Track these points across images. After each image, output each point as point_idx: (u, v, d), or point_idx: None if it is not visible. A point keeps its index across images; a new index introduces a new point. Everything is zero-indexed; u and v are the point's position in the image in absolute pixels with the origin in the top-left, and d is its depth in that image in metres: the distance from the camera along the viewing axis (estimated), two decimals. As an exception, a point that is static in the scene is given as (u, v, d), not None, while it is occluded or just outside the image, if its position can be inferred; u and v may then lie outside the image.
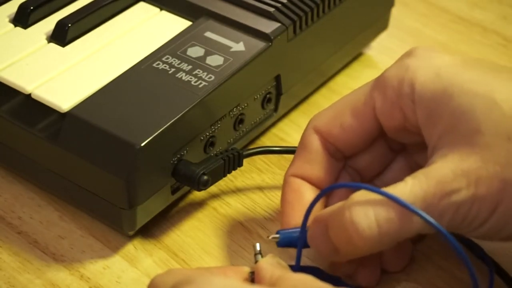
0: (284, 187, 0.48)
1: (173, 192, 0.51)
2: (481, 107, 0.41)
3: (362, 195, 0.42)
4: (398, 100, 0.44)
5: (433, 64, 0.44)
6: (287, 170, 0.49)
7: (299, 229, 0.45)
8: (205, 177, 0.50)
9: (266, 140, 0.59)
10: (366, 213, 0.41)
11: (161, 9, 0.58)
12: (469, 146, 0.41)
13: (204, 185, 0.50)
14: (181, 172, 0.50)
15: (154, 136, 0.48)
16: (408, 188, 0.41)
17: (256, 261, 0.44)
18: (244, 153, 0.53)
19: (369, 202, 0.41)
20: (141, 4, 0.59)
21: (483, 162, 0.41)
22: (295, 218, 0.46)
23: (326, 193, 0.45)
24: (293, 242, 0.46)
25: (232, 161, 0.52)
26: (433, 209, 0.41)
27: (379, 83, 0.46)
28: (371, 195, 0.41)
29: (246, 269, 0.43)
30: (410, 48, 0.46)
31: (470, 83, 0.42)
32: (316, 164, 0.47)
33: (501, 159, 0.40)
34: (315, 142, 0.48)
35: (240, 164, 0.53)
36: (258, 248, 0.45)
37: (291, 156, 0.57)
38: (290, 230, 0.46)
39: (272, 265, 0.42)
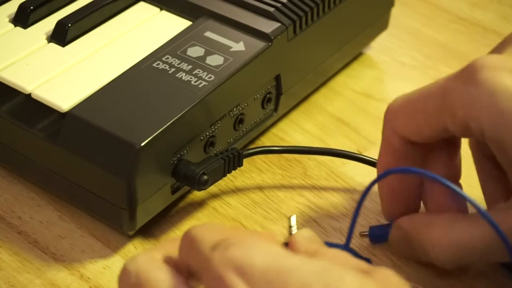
0: (379, 184, 0.49)
1: (173, 192, 0.51)
2: None
3: (444, 219, 0.44)
4: (469, 133, 0.44)
5: (498, 101, 0.42)
6: (378, 165, 0.49)
7: (388, 225, 0.49)
8: (205, 177, 0.50)
9: (266, 140, 0.59)
10: (445, 246, 0.44)
11: (161, 9, 0.58)
12: None
13: (204, 185, 0.50)
14: (181, 172, 0.50)
15: (154, 136, 0.48)
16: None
17: (290, 234, 0.43)
18: (244, 153, 0.53)
19: (451, 228, 0.44)
20: (141, 4, 0.59)
21: None
22: (395, 212, 0.49)
23: (384, 177, 0.47)
24: (383, 236, 0.49)
25: (232, 161, 0.52)
26: None
27: (447, 108, 0.44)
28: (452, 220, 0.44)
29: (279, 239, 0.42)
30: (472, 65, 0.44)
31: None
32: (402, 160, 0.48)
33: None
34: (397, 142, 0.47)
35: (240, 164, 0.53)
36: (294, 221, 0.45)
37: (291, 156, 0.57)
38: (380, 226, 0.50)
39: (307, 239, 0.41)
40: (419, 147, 0.47)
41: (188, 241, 0.38)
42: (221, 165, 0.51)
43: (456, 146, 0.48)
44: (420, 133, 0.46)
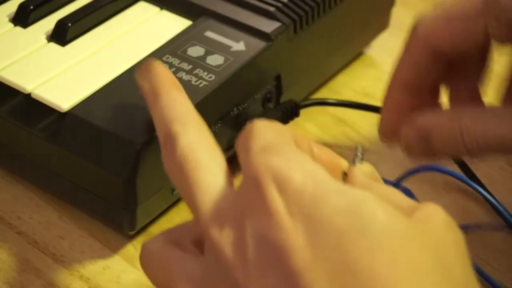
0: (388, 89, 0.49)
1: (173, 192, 0.51)
2: None
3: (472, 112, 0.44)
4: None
5: None
6: (393, 78, 0.49)
7: None
8: None
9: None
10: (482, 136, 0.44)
11: (161, 9, 0.58)
12: None
13: None
14: (242, 125, 0.51)
15: (155, 136, 0.48)
16: None
17: (353, 162, 0.42)
18: (301, 104, 0.57)
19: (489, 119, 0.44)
20: (141, 3, 0.59)
21: None
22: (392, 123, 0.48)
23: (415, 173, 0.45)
24: None
25: (290, 111, 0.56)
26: None
27: (490, 10, 0.45)
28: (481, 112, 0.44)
29: (344, 164, 0.42)
30: None
31: None
32: (424, 74, 0.47)
33: None
34: (423, 54, 0.47)
35: (297, 115, 0.56)
36: (360, 151, 0.43)
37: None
38: None
39: (366, 174, 0.40)
40: (442, 63, 0.47)
41: (247, 132, 0.38)
42: (279, 116, 0.55)
43: (482, 63, 0.48)
44: (453, 41, 0.46)
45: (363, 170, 0.40)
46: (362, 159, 0.42)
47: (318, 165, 0.35)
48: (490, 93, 0.49)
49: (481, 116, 0.44)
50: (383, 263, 0.31)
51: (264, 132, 0.38)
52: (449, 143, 0.45)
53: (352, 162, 0.42)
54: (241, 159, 0.37)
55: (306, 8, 0.56)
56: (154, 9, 0.58)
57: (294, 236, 0.33)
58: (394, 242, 0.32)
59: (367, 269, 0.31)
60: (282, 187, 0.34)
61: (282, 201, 0.33)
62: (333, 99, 0.59)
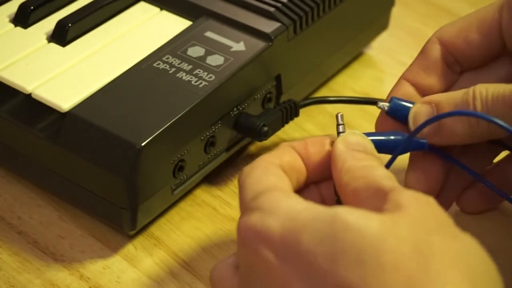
0: (393, 88, 0.49)
1: (173, 191, 0.51)
2: None
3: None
4: None
5: None
6: (403, 73, 0.48)
7: (411, 104, 0.45)
8: (266, 128, 0.53)
9: (266, 140, 0.59)
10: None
11: (161, 9, 0.58)
12: None
13: (265, 136, 0.53)
14: (242, 125, 0.53)
15: (155, 136, 0.48)
16: None
17: (338, 132, 0.42)
18: (300, 103, 0.56)
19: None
20: (141, 4, 0.59)
21: None
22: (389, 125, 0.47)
23: (425, 126, 0.44)
24: (403, 115, 0.46)
25: (289, 111, 0.55)
26: None
27: (509, 1, 0.45)
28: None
29: (328, 143, 0.42)
30: None
31: None
32: (431, 72, 0.47)
33: None
34: (435, 51, 0.47)
35: (296, 114, 0.56)
36: (340, 119, 0.42)
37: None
38: (403, 102, 0.46)
39: (347, 143, 0.41)
40: (454, 68, 0.47)
41: (239, 182, 0.41)
42: (279, 116, 0.55)
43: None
44: (467, 42, 0.46)
45: (346, 142, 0.41)
46: (344, 127, 0.42)
47: (290, 198, 0.37)
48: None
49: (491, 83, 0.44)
50: (367, 277, 0.33)
51: (249, 179, 0.40)
52: (460, 105, 0.43)
53: (337, 132, 0.42)
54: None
55: (306, 8, 0.56)
56: (154, 10, 0.58)
57: (290, 280, 0.35)
58: (372, 251, 0.33)
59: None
60: (266, 240, 0.36)
61: (271, 252, 0.35)
62: (333, 97, 0.59)
